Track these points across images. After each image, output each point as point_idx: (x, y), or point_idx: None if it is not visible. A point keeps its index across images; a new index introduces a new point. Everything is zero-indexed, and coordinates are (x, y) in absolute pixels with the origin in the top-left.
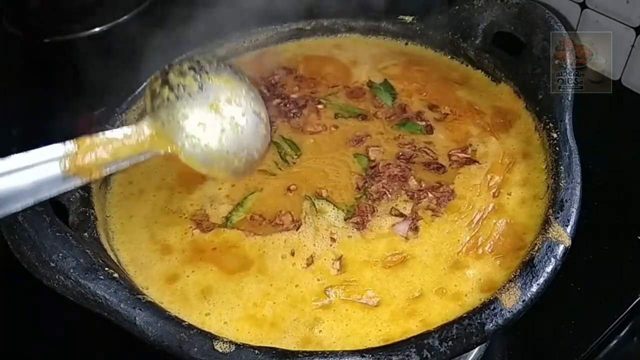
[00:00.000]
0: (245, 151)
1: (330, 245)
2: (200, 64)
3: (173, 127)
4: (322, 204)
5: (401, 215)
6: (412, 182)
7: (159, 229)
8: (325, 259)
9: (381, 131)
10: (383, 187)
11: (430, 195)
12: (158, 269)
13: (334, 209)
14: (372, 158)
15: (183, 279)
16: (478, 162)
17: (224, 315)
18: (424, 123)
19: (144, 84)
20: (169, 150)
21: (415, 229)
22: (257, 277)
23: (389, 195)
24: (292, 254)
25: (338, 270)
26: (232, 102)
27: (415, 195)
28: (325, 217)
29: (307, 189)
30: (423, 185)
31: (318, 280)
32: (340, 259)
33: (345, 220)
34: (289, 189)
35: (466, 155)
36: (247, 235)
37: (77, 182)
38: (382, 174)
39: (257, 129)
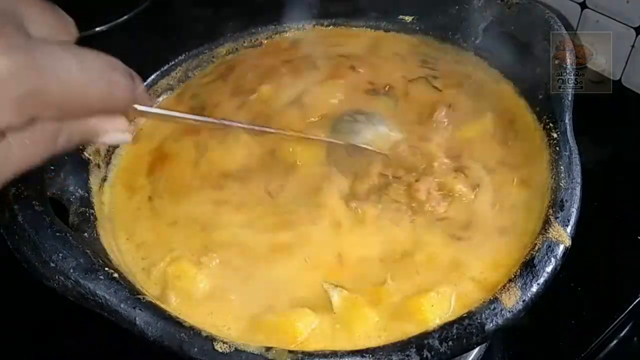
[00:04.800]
0: None
1: (334, 236)
2: None
3: None
4: None
5: (397, 202)
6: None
7: (162, 230)
8: (326, 255)
9: None
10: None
11: (422, 187)
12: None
13: None
14: None
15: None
16: (468, 169)
17: (227, 315)
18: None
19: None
20: None
21: (412, 222)
22: (264, 275)
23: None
24: (298, 250)
25: (338, 266)
26: None
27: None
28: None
29: None
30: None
31: (320, 277)
32: (339, 254)
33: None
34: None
35: (455, 164)
36: (256, 232)
37: None
38: None
39: None
